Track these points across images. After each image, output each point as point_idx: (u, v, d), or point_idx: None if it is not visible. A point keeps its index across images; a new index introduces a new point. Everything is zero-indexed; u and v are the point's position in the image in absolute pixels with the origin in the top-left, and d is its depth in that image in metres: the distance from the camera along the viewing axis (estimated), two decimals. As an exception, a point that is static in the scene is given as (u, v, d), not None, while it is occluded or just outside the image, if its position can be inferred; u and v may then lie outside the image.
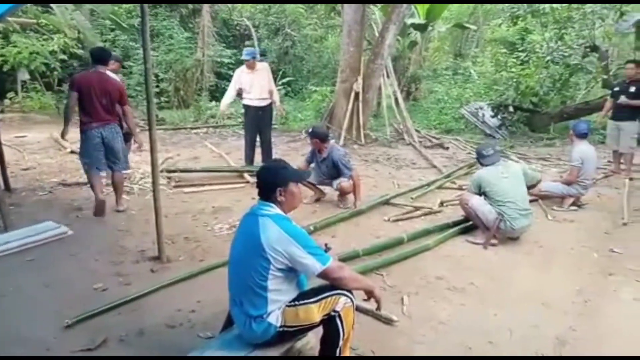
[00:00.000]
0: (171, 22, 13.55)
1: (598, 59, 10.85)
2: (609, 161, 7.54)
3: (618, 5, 10.50)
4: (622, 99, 6.64)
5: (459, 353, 2.68)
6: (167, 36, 13.01)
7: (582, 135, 5.35)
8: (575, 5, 10.69)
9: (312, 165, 5.40)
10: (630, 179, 6.55)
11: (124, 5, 12.49)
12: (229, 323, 2.40)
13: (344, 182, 5.14)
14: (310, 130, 5.45)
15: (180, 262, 3.78)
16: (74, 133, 5.06)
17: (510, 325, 2.94)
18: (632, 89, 6.64)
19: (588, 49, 10.77)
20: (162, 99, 12.22)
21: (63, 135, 4.86)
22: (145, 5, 3.40)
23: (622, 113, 6.78)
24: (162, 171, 6.09)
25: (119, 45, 12.39)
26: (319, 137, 5.18)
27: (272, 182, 2.24)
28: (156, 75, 11.99)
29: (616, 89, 6.96)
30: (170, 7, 14.15)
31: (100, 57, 4.72)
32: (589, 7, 10.49)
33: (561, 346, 2.74)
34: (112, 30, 12.46)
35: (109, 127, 4.73)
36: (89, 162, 4.72)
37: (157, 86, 11.96)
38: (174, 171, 6.31)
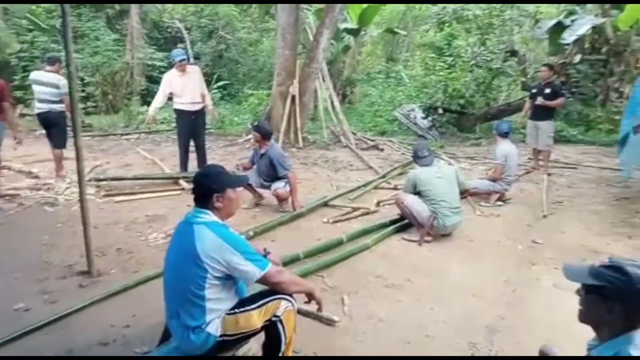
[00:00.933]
0: (97, 24, 12.90)
1: (517, 62, 11.64)
2: (529, 158, 8.08)
3: (533, 13, 11.36)
4: (540, 100, 7.15)
5: (398, 348, 2.76)
6: (92, 38, 12.38)
7: (504, 135, 5.73)
8: (495, 12, 11.42)
9: (255, 166, 5.35)
10: (549, 175, 7.07)
11: (43, 4, 11.72)
12: (166, 336, 2.32)
13: (280, 189, 5.12)
14: (256, 123, 5.43)
15: (113, 275, 3.60)
16: None
17: (445, 318, 3.08)
18: (548, 91, 7.17)
19: (508, 54, 11.54)
20: (89, 103, 11.61)
21: None
22: (67, 5, 3.20)
23: (539, 113, 7.29)
24: (90, 180, 5.78)
25: (38, 47, 11.60)
26: (260, 132, 5.15)
27: (208, 188, 2.18)
28: (82, 79, 11.37)
29: (534, 90, 7.48)
30: (96, 7, 13.47)
31: None
32: (507, 14, 11.26)
33: (492, 335, 2.91)
34: (30, 30, 11.65)
35: None
36: None
37: (83, 90, 11.34)
38: (104, 179, 6.00)
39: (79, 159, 3.44)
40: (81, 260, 3.69)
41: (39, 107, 6.09)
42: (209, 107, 6.59)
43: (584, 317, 1.61)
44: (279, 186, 5.14)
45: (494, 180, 5.69)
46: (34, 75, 6.21)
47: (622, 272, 1.47)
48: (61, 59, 6.31)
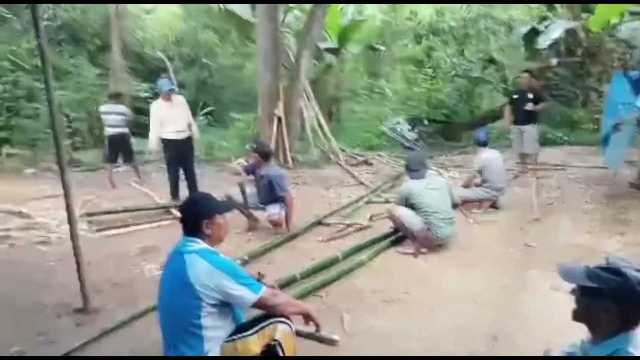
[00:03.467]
0: (79, 60, 12.95)
1: (496, 70, 11.86)
2: (517, 163, 8.18)
3: (507, 21, 11.64)
4: (530, 105, 7.23)
5: (400, 362, 2.76)
6: (75, 74, 12.41)
7: (482, 144, 5.83)
8: (470, 23, 11.67)
9: (250, 177, 5.32)
10: (537, 178, 7.14)
11: (25, 45, 11.74)
12: (165, 368, 2.29)
13: (274, 216, 5.06)
14: (254, 145, 5.37)
15: (109, 311, 3.55)
16: None
17: (445, 328, 3.08)
18: (530, 96, 7.30)
19: (486, 62, 11.75)
20: (76, 139, 11.55)
21: None
22: (45, 45, 3.22)
23: (523, 118, 7.41)
24: (81, 216, 5.73)
25: (21, 87, 11.58)
26: (259, 152, 5.11)
27: (196, 215, 2.20)
28: (67, 116, 11.34)
29: (515, 96, 7.61)
30: (77, 44, 13.56)
31: None
32: (482, 24, 11.51)
33: (492, 342, 2.91)
34: (13, 71, 11.65)
35: None
36: None
37: (69, 127, 11.30)
38: (95, 214, 5.95)
39: (67, 195, 3.43)
40: (76, 297, 3.63)
41: (109, 132, 7.95)
42: (196, 136, 6.63)
43: (579, 317, 1.62)
44: (274, 212, 5.08)
45: (465, 186, 5.76)
46: (104, 107, 8.18)
47: (620, 274, 1.49)
48: (122, 93, 9.45)
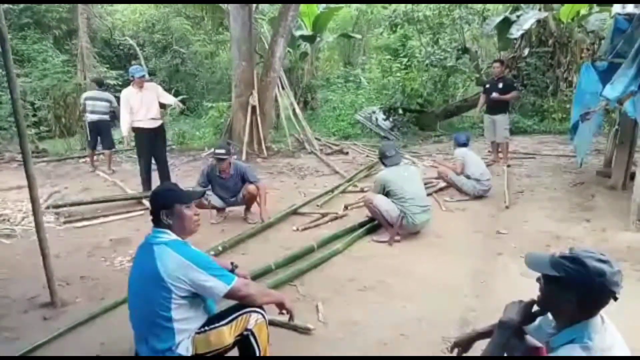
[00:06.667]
0: (43, 46, 12.47)
1: (470, 59, 11.99)
2: (488, 151, 8.32)
3: (481, 11, 11.76)
4: (495, 94, 7.37)
5: (375, 349, 2.78)
6: (40, 60, 11.95)
7: (462, 145, 5.99)
8: (444, 12, 11.75)
9: (208, 188, 5.18)
10: (508, 166, 7.29)
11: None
12: (137, 362, 2.25)
13: (250, 186, 5.05)
14: (217, 154, 5.02)
15: (78, 305, 3.46)
16: None
17: (419, 315, 3.12)
18: (501, 85, 7.41)
19: (460, 51, 11.87)
20: (42, 128, 11.16)
21: None
22: (5, 29, 3.07)
23: (495, 107, 7.53)
24: (48, 207, 5.56)
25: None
26: (229, 153, 5.04)
27: (157, 205, 2.16)
28: (32, 104, 10.94)
29: (487, 85, 7.72)
30: (41, 29, 13.05)
31: None
32: (457, 13, 11.60)
33: (464, 327, 2.96)
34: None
35: None
36: None
37: (35, 115, 10.91)
38: (62, 205, 5.78)
39: (31, 187, 3.30)
40: (43, 291, 3.53)
41: (92, 118, 7.96)
42: (173, 103, 6.53)
43: (543, 305, 1.67)
44: (249, 186, 5.06)
45: (458, 173, 5.86)
46: (90, 93, 8.19)
47: (580, 264, 1.52)
48: (104, 80, 9.56)
